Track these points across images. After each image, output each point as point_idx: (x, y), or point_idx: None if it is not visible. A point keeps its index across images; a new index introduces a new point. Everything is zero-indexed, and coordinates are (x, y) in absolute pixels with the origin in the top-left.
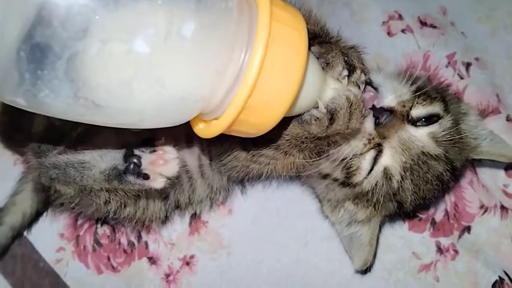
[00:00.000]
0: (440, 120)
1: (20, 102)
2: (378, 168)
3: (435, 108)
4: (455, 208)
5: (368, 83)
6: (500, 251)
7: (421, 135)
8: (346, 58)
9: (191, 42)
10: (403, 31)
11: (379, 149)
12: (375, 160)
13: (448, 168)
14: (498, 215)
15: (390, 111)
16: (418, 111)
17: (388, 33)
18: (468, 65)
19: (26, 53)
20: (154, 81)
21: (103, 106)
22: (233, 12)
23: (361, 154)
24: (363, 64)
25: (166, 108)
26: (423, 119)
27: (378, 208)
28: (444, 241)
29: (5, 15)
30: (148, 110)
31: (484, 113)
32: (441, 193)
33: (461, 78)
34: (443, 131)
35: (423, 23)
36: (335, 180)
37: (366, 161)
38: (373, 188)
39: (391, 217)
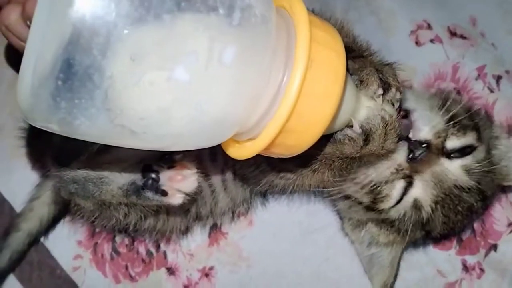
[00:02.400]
0: (473, 152)
1: (52, 127)
2: (408, 199)
3: (469, 138)
4: (482, 225)
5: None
6: None
7: (455, 168)
8: (381, 76)
9: (231, 68)
10: (431, 41)
11: (409, 180)
12: (405, 190)
13: (479, 199)
14: None
15: (426, 145)
16: (452, 143)
17: (416, 43)
18: (498, 78)
19: (64, 81)
20: (193, 107)
21: (139, 133)
22: (272, 34)
23: (387, 182)
24: (398, 82)
25: (202, 132)
26: (457, 151)
27: (404, 235)
28: (470, 259)
29: (43, 43)
30: (183, 135)
31: None
32: (470, 220)
33: (491, 91)
34: (477, 162)
35: (453, 33)
36: (359, 203)
37: (396, 190)
38: (400, 217)
39: (416, 242)
